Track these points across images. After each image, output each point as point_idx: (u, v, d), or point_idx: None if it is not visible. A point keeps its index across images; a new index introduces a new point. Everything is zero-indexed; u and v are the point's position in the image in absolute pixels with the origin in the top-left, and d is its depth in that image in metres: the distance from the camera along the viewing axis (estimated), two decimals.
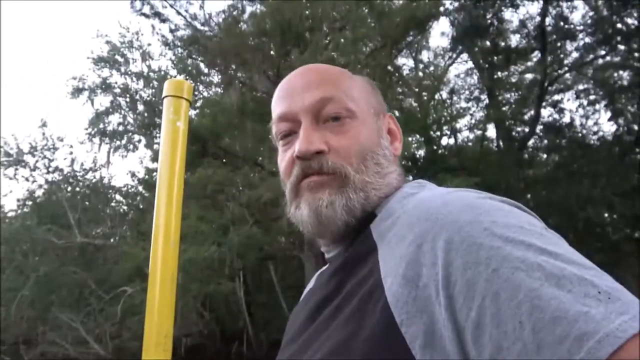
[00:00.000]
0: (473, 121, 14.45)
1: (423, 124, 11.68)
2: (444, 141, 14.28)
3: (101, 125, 12.52)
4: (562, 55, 12.63)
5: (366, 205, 0.72)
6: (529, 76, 13.66)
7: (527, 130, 13.10)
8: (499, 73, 13.46)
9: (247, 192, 9.63)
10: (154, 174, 12.56)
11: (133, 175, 14.02)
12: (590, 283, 0.46)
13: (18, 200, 12.80)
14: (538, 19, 12.08)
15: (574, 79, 13.75)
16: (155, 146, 12.25)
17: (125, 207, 14.47)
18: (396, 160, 0.81)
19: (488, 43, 12.74)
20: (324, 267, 0.83)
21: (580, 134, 13.67)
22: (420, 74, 14.89)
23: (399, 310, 0.54)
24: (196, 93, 13.15)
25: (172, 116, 0.88)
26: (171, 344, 0.76)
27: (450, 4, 12.05)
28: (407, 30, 10.90)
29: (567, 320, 0.43)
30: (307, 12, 10.53)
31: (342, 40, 10.30)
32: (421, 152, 12.56)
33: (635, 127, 12.33)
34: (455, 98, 14.88)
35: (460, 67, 15.30)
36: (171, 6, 11.10)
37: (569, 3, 11.96)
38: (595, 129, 14.03)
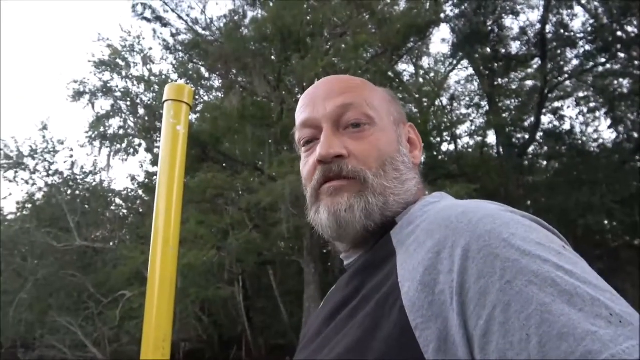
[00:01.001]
0: (473, 128, 14.50)
1: (423, 130, 11.68)
2: (444, 147, 14.33)
3: (102, 129, 12.51)
4: (562, 63, 12.65)
5: (385, 209, 0.73)
6: (529, 83, 13.70)
7: (527, 137, 13.11)
8: (499, 80, 13.49)
9: (246, 197, 9.64)
10: (154, 177, 12.55)
11: (133, 179, 14.06)
12: (604, 305, 0.46)
13: (18, 203, 12.83)
14: (538, 26, 12.12)
15: (574, 86, 13.78)
16: (156, 150, 12.26)
17: (124, 211, 14.48)
18: (416, 169, 0.82)
19: (488, 50, 12.78)
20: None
21: (580, 141, 13.69)
22: (421, 80, 14.93)
23: (414, 314, 0.55)
24: (197, 97, 13.17)
25: (172, 120, 0.88)
26: (169, 348, 0.76)
27: (451, 10, 12.12)
28: (407, 37, 10.95)
29: (574, 338, 0.43)
30: (308, 17, 10.56)
31: (343, 46, 10.33)
32: (421, 158, 12.56)
33: (635, 135, 12.34)
34: (455, 104, 14.92)
35: (461, 74, 15.35)
36: (173, 10, 11.16)
37: (570, 11, 12.01)
38: (595, 136, 14.10)
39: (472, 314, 0.50)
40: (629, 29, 11.54)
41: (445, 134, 13.79)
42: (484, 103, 13.96)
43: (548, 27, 12.11)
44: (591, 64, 12.18)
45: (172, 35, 11.55)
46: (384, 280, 0.63)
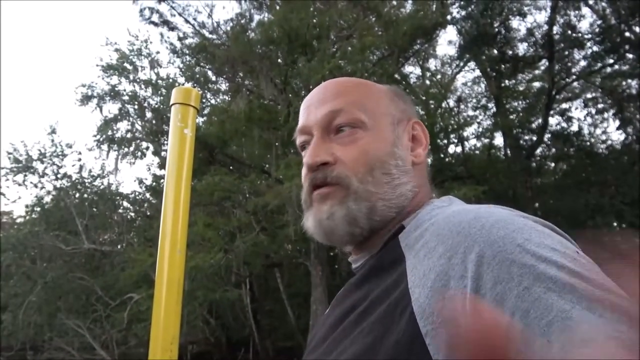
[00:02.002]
0: (480, 129, 14.45)
1: (430, 132, 11.57)
2: (451, 149, 14.29)
3: (109, 132, 12.58)
4: (569, 64, 12.57)
5: (372, 214, 0.72)
6: (536, 84, 13.64)
7: (534, 138, 13.04)
8: (507, 81, 13.42)
9: (253, 200, 9.64)
10: (162, 181, 12.61)
11: (141, 182, 14.09)
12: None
13: (26, 207, 12.85)
14: (546, 27, 12.06)
15: (581, 87, 13.69)
16: (163, 153, 12.32)
17: (132, 214, 14.52)
18: (420, 168, 0.81)
19: (495, 51, 12.72)
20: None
21: (588, 143, 13.59)
22: (427, 82, 14.91)
23: (425, 321, 0.54)
24: (204, 100, 13.23)
25: (179, 123, 0.88)
26: (177, 350, 0.77)
27: (458, 12, 12.09)
28: (414, 39, 10.93)
29: (597, 344, 0.43)
30: (314, 20, 10.57)
31: (349, 48, 10.33)
32: (428, 160, 12.53)
33: None
34: (462, 106, 14.87)
35: (468, 75, 15.31)
36: (180, 14, 11.21)
37: (577, 12, 11.95)
38: (603, 137, 13.99)
39: None
40: (637, 29, 11.47)
41: (452, 136, 13.75)
42: (491, 105, 13.91)
43: (555, 28, 12.05)
44: (599, 65, 12.09)
45: (179, 39, 11.62)
46: (394, 285, 0.62)
